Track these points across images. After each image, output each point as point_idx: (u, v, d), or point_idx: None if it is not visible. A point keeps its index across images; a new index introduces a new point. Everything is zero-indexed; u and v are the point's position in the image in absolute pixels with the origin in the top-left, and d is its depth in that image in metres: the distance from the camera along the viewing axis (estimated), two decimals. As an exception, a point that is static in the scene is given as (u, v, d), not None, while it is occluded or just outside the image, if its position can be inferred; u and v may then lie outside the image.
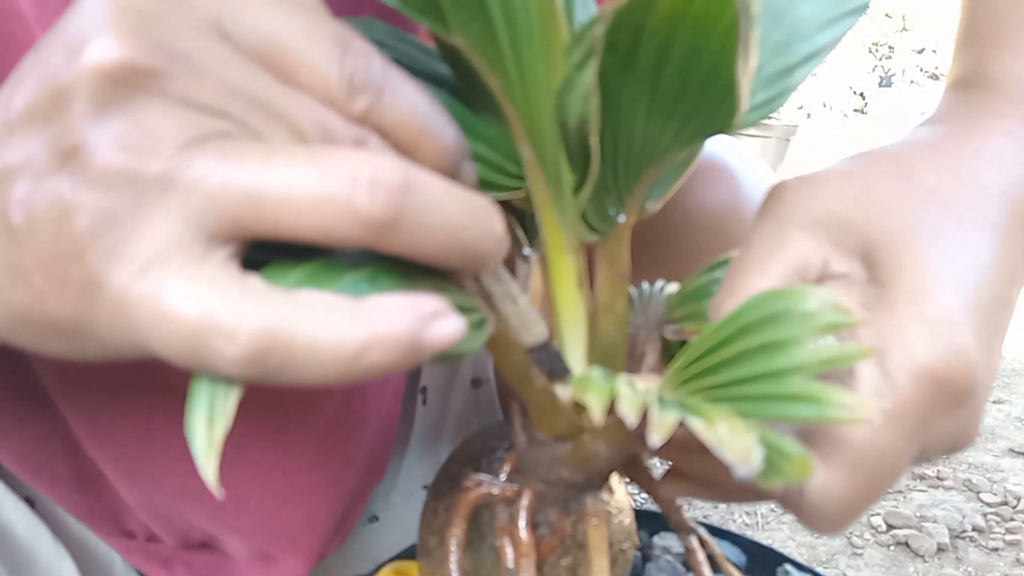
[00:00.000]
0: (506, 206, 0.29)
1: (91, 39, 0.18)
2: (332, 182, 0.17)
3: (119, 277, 0.17)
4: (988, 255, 0.25)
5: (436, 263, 0.19)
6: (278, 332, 0.17)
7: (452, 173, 0.23)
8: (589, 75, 0.19)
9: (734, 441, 0.18)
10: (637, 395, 0.20)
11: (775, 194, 0.27)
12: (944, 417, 0.24)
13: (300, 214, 0.17)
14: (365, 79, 0.20)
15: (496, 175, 0.27)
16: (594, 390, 0.20)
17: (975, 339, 0.23)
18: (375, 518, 0.57)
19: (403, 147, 0.21)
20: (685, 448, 0.29)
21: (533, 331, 0.26)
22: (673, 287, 0.33)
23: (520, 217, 0.31)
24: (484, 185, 0.27)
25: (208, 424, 0.18)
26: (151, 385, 0.38)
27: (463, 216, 0.19)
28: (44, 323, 0.19)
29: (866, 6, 0.28)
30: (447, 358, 0.21)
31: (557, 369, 0.27)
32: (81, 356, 0.20)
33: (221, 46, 0.19)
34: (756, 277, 0.26)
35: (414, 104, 0.21)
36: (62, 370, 0.38)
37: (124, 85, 0.18)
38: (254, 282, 0.18)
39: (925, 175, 0.26)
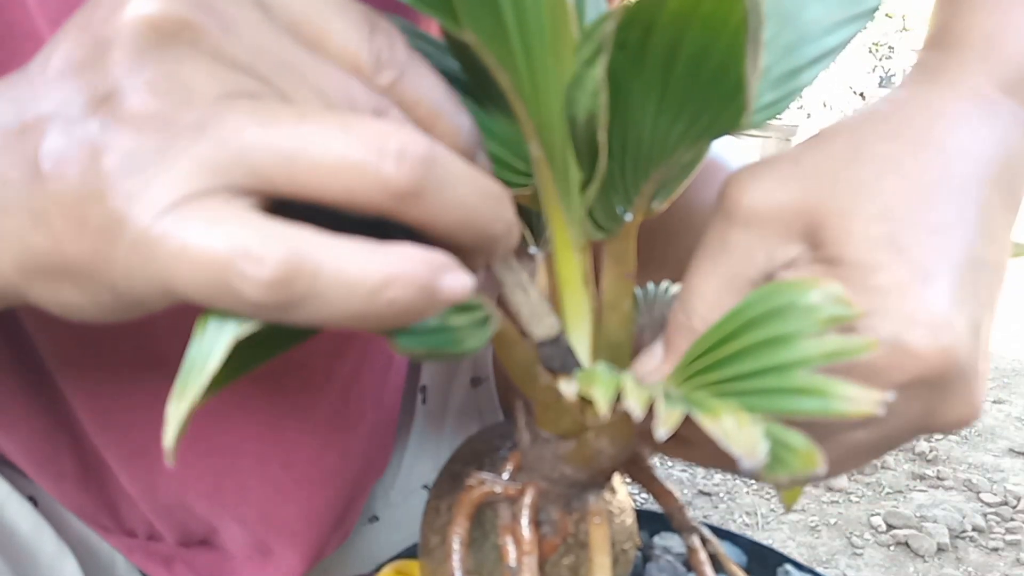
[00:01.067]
0: (512, 204, 0.30)
1: None
2: (361, 149, 0.18)
3: (141, 216, 0.17)
4: (954, 217, 0.24)
5: (449, 239, 0.20)
6: (306, 258, 0.17)
7: (467, 159, 0.23)
8: (599, 71, 0.20)
9: (740, 434, 0.18)
10: (643, 389, 0.20)
11: (723, 190, 0.26)
12: (919, 391, 0.23)
13: (327, 177, 0.18)
14: (391, 57, 0.21)
15: (504, 172, 0.28)
16: (600, 384, 0.20)
17: (946, 305, 0.23)
18: (375, 517, 0.57)
19: (420, 126, 0.22)
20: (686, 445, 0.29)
21: (545, 323, 0.26)
22: (677, 287, 0.33)
23: (526, 216, 0.31)
24: None
25: (186, 378, 0.18)
26: (154, 363, 0.38)
27: (477, 196, 0.20)
28: (60, 268, 0.19)
29: (875, 9, 0.27)
30: (450, 355, 0.21)
31: (568, 364, 0.27)
32: (95, 308, 0.20)
33: (256, 11, 0.20)
34: (704, 279, 0.26)
35: (433, 87, 0.22)
36: (66, 348, 0.38)
37: (163, 36, 0.18)
38: (277, 220, 0.18)
39: (878, 144, 0.25)
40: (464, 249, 0.20)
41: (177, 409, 0.18)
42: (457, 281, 0.19)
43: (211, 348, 0.18)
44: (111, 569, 0.48)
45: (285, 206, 0.19)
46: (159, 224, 0.17)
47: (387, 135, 0.18)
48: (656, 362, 0.27)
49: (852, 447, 0.26)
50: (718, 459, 0.28)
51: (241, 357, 0.19)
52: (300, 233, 0.18)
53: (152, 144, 0.18)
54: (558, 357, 0.26)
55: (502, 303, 0.26)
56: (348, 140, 0.18)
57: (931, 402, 0.24)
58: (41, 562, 0.42)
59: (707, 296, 0.26)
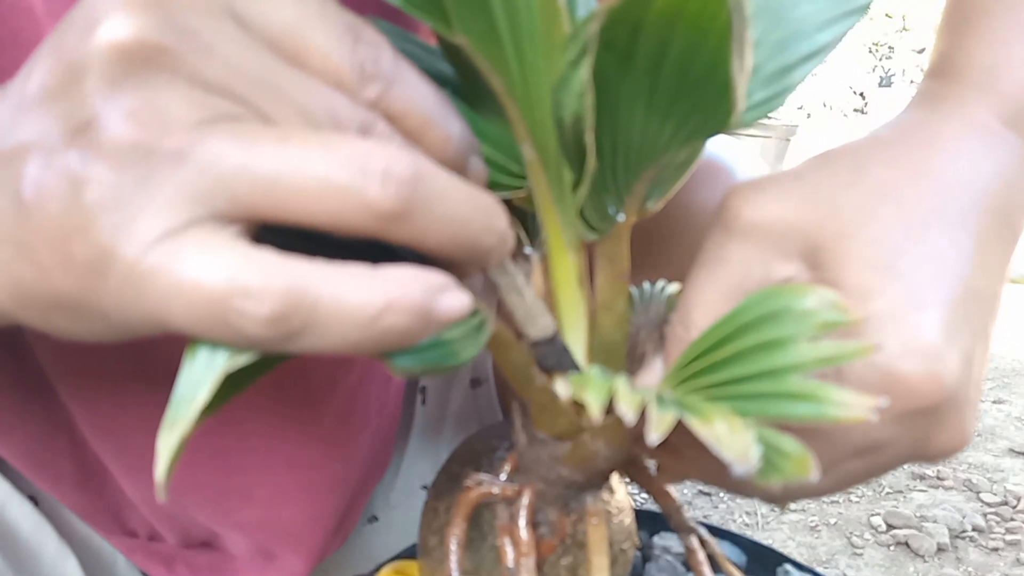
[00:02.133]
0: (508, 206, 0.30)
1: (104, 17, 0.18)
2: (344, 171, 0.17)
3: (129, 251, 0.17)
4: (950, 247, 0.24)
5: (440, 255, 0.20)
6: (305, 291, 0.17)
7: (459, 167, 0.23)
8: (584, 72, 0.19)
9: (732, 439, 0.18)
10: (635, 393, 0.20)
11: (724, 202, 0.27)
12: (911, 420, 0.24)
13: (311, 201, 0.18)
14: (376, 68, 0.21)
15: (498, 174, 0.28)
16: (593, 388, 0.20)
17: (939, 334, 0.23)
18: (375, 518, 0.57)
19: (409, 136, 0.22)
20: (680, 452, 0.29)
21: (540, 324, 0.25)
22: (674, 287, 0.33)
23: (521, 216, 0.31)
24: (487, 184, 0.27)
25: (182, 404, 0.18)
26: (154, 373, 0.38)
27: (467, 210, 0.19)
28: (50, 300, 0.19)
29: (867, 6, 0.27)
30: (448, 368, 0.21)
31: (564, 363, 0.27)
32: (90, 334, 0.20)
33: (232, 28, 0.19)
34: (702, 291, 0.26)
35: (422, 95, 0.22)
36: (66, 358, 0.38)
37: (136, 61, 0.18)
38: (268, 251, 0.18)
39: (879, 170, 0.26)
40: (456, 261, 0.20)
41: (168, 440, 0.18)
42: (454, 301, 0.18)
43: (201, 380, 0.18)
44: (112, 569, 0.48)
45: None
46: (148, 259, 0.17)
47: (370, 155, 0.18)
48: (657, 376, 0.27)
49: (846, 475, 0.26)
50: (708, 472, 0.28)
51: (230, 381, 0.19)
52: (296, 265, 0.17)
53: (133, 175, 0.17)
54: (554, 356, 0.26)
55: (501, 306, 0.26)
56: (330, 162, 0.17)
57: (922, 430, 0.24)
58: (43, 562, 0.43)
59: (705, 307, 0.26)
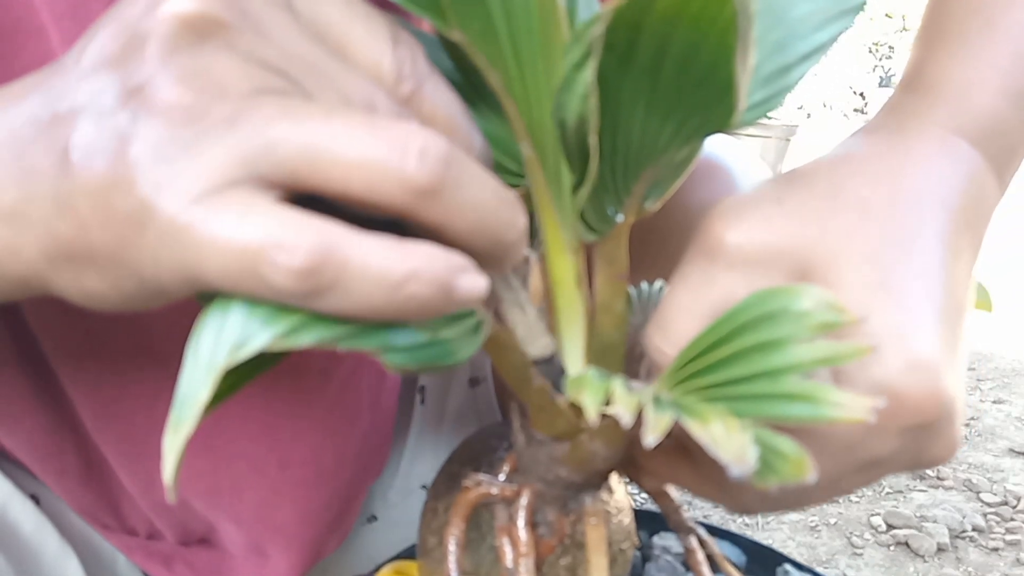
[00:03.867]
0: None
1: None
2: (384, 147, 0.18)
3: (170, 205, 0.18)
4: (933, 262, 0.24)
5: (463, 243, 0.20)
6: (336, 248, 0.18)
7: None
8: (588, 74, 0.20)
9: (729, 441, 0.18)
10: (632, 395, 0.20)
11: (705, 226, 0.27)
12: (910, 434, 0.24)
13: (350, 172, 0.18)
14: (412, 68, 0.22)
15: (497, 173, 0.28)
16: (589, 390, 0.20)
17: (936, 349, 0.23)
18: (374, 518, 0.57)
19: None
20: (673, 456, 0.30)
21: (539, 343, 0.26)
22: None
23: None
24: None
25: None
26: (152, 362, 0.38)
27: (493, 200, 0.20)
28: (85, 255, 0.20)
29: (863, 5, 0.28)
30: (443, 367, 0.21)
31: (560, 383, 0.27)
32: (117, 295, 0.20)
33: (286, 16, 0.21)
34: (684, 316, 0.26)
35: (449, 102, 0.23)
36: (69, 344, 0.38)
37: (197, 33, 0.19)
38: (303, 212, 0.19)
39: (857, 189, 0.26)
40: (476, 256, 0.21)
41: (174, 441, 0.18)
42: (473, 282, 0.19)
43: (201, 379, 0.18)
44: (112, 568, 0.48)
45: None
46: (188, 213, 0.18)
47: (410, 134, 0.19)
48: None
49: (845, 488, 0.26)
50: (707, 484, 0.28)
51: (231, 378, 0.19)
52: (329, 226, 0.18)
53: (182, 135, 0.18)
54: (551, 375, 0.26)
55: (497, 315, 0.26)
56: (372, 137, 0.18)
57: (920, 443, 0.25)
58: (44, 562, 0.43)
59: (687, 329, 0.26)
